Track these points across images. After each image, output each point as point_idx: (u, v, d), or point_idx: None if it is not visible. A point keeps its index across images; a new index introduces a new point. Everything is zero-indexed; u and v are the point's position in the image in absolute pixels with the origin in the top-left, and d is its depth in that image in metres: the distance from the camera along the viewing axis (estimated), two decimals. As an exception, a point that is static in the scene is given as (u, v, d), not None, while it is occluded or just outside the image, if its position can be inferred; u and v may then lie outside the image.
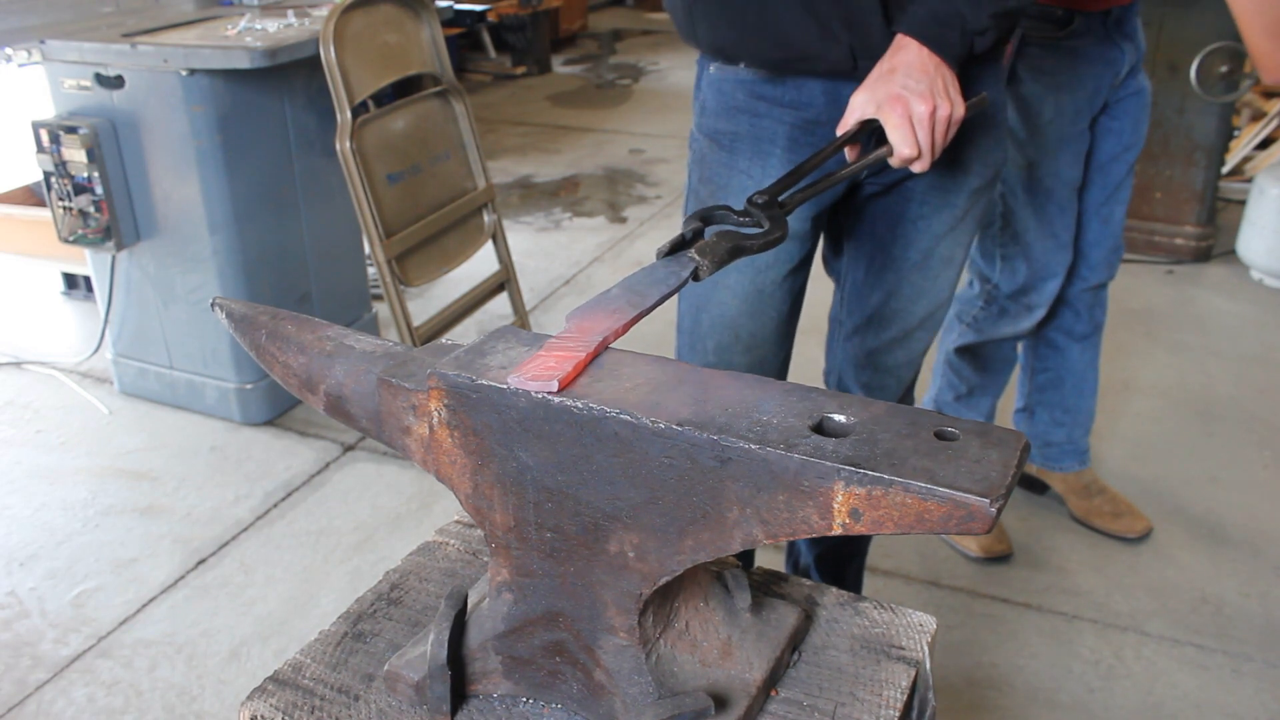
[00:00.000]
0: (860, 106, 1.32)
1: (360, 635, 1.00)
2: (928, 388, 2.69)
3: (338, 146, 2.69)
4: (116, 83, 2.76)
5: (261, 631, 2.28)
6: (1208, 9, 3.60)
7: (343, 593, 2.39)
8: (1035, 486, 2.72)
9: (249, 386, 3.04)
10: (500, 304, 3.45)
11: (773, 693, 0.91)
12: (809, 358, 2.28)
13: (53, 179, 2.85)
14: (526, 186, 5.29)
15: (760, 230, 1.04)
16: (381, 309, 3.53)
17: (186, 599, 2.39)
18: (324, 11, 3.11)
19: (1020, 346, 2.60)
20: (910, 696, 0.93)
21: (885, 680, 0.93)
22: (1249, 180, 4.28)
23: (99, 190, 2.82)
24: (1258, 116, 4.79)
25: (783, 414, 0.75)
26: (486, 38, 7.55)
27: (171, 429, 3.07)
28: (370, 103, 2.86)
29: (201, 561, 2.51)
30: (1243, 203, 4.16)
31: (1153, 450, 2.95)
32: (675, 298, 1.08)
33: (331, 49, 2.62)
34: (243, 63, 2.64)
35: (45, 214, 3.18)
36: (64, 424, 3.10)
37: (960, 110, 1.32)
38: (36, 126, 2.82)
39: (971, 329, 2.47)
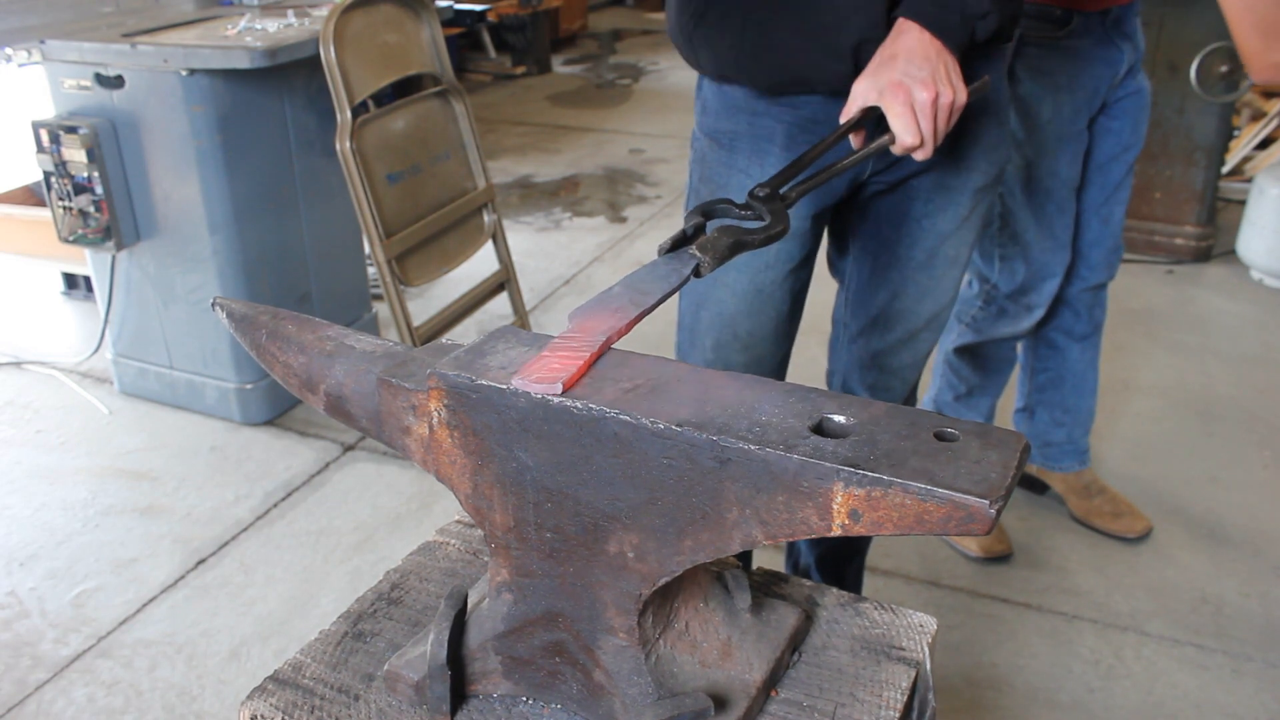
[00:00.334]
0: (862, 94, 1.31)
1: (360, 635, 1.00)
2: (927, 388, 2.69)
3: (338, 146, 2.69)
4: (116, 83, 2.76)
5: (261, 631, 2.28)
6: (1208, 9, 3.58)
7: (343, 593, 2.39)
8: (1035, 486, 2.72)
9: (249, 386, 3.04)
10: (500, 304, 3.45)
11: (773, 693, 0.91)
12: (810, 358, 2.28)
13: (53, 179, 2.86)
14: (526, 186, 5.29)
15: (762, 224, 1.04)
16: (381, 309, 3.53)
17: (186, 599, 2.39)
18: (324, 11, 3.11)
19: (1020, 346, 2.60)
20: (910, 697, 0.93)
21: (885, 681, 0.93)
22: (1249, 180, 4.28)
23: (99, 190, 2.82)
24: (1258, 116, 4.79)
25: (782, 415, 0.75)
26: (486, 38, 7.55)
27: (171, 429, 3.07)
28: (370, 103, 2.86)
29: (201, 561, 2.51)
30: (1243, 203, 4.16)
31: (1153, 450, 2.95)
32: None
33: (331, 49, 2.62)
34: (243, 63, 2.64)
35: (45, 214, 3.19)
36: (64, 424, 3.10)
37: (963, 97, 1.31)
38: (36, 126, 2.82)
39: (971, 329, 2.47)
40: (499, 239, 3.29)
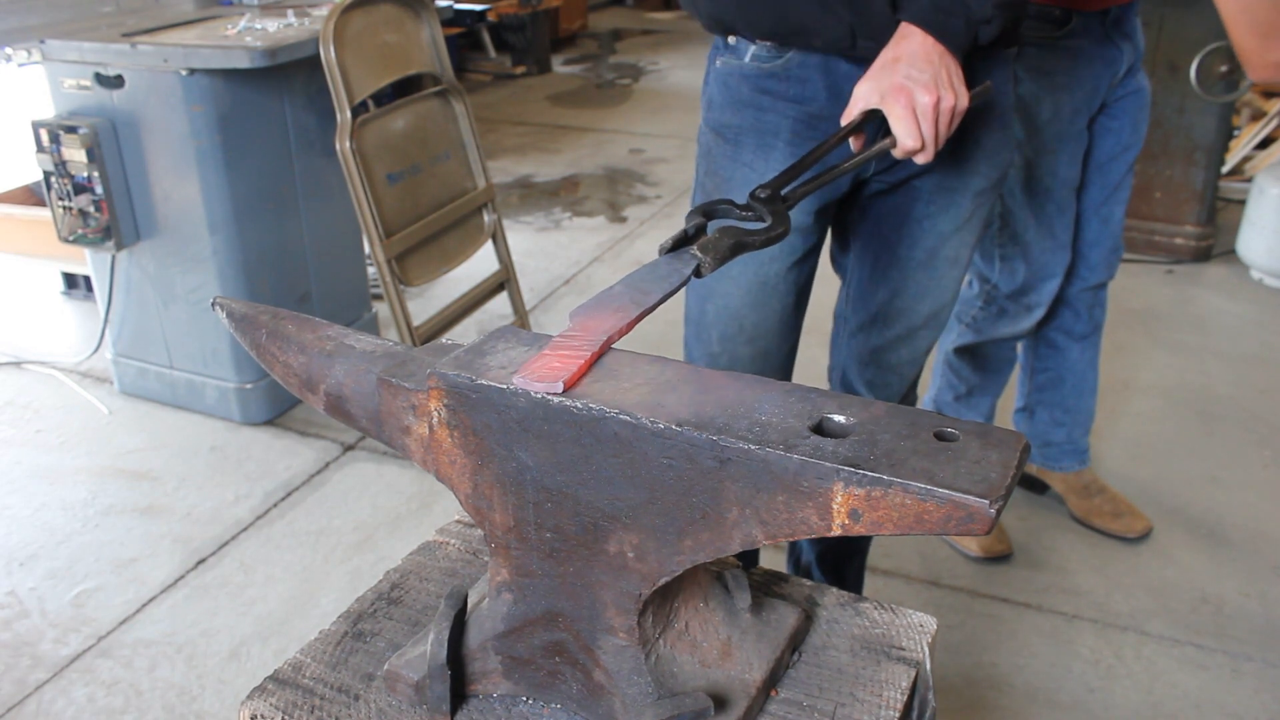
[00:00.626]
0: (864, 97, 1.32)
1: (360, 635, 1.00)
2: (927, 388, 2.69)
3: (338, 146, 2.69)
4: (116, 82, 2.76)
5: (261, 631, 2.28)
6: (1208, 9, 3.56)
7: (343, 592, 2.39)
8: (1035, 486, 2.72)
9: (249, 386, 3.04)
10: (500, 304, 3.45)
11: (773, 693, 0.91)
12: (812, 357, 2.28)
13: (53, 179, 2.85)
14: (526, 186, 5.29)
15: (763, 225, 1.04)
16: (381, 309, 3.53)
17: (186, 599, 2.39)
18: (324, 11, 3.11)
19: (1020, 346, 2.60)
20: (910, 697, 0.93)
21: (885, 681, 0.93)
22: (1249, 180, 4.28)
23: (99, 190, 2.82)
24: (1258, 116, 4.79)
25: (782, 414, 0.75)
26: (486, 37, 7.55)
27: (171, 429, 3.07)
28: (370, 102, 2.86)
29: (201, 561, 2.51)
30: (1243, 202, 4.16)
31: (1153, 450, 2.95)
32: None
33: (331, 49, 2.62)
34: (243, 62, 2.64)
35: (45, 214, 3.19)
36: (64, 424, 3.10)
37: (964, 101, 1.31)
38: (36, 126, 2.82)
39: (971, 329, 2.47)
40: (499, 239, 3.29)
